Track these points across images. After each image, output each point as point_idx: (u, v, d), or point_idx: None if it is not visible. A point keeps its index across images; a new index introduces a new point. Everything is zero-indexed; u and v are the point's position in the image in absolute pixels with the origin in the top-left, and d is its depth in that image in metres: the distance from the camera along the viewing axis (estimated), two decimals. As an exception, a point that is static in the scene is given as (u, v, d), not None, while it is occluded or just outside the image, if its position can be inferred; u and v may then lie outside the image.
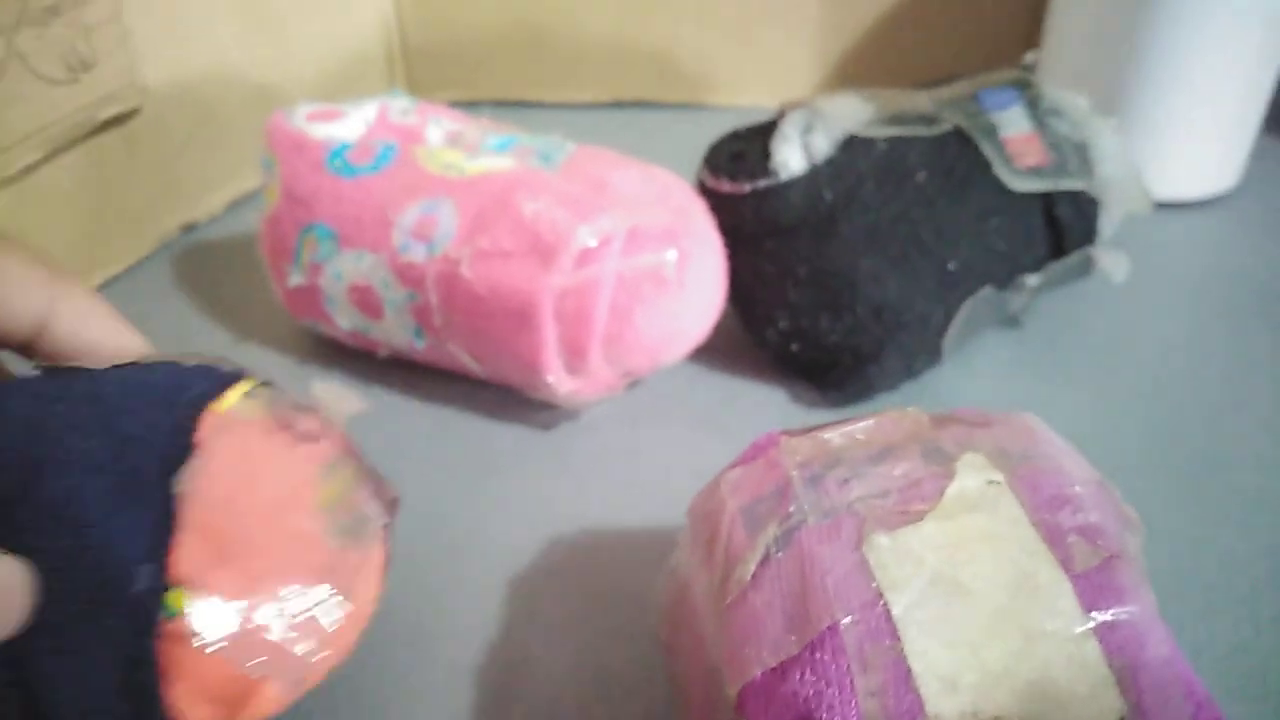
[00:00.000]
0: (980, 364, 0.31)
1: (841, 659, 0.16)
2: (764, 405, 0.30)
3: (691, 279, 0.28)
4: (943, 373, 0.31)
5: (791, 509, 0.17)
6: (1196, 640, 0.23)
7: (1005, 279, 0.30)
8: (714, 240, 0.29)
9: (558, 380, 0.28)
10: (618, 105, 0.47)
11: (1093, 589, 0.16)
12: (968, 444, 0.18)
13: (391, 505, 0.20)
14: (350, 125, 0.30)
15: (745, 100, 0.47)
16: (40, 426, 0.17)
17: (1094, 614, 0.16)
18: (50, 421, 0.17)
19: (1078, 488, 0.18)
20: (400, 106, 0.31)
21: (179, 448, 0.17)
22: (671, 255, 0.27)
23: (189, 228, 0.39)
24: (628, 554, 0.25)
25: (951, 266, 0.29)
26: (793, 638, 0.16)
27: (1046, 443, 0.19)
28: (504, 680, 0.22)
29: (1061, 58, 0.40)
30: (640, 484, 0.27)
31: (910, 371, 0.30)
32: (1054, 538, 0.17)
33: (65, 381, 0.18)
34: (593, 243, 0.26)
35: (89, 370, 0.19)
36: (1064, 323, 0.33)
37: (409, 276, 0.28)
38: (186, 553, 0.17)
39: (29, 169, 0.32)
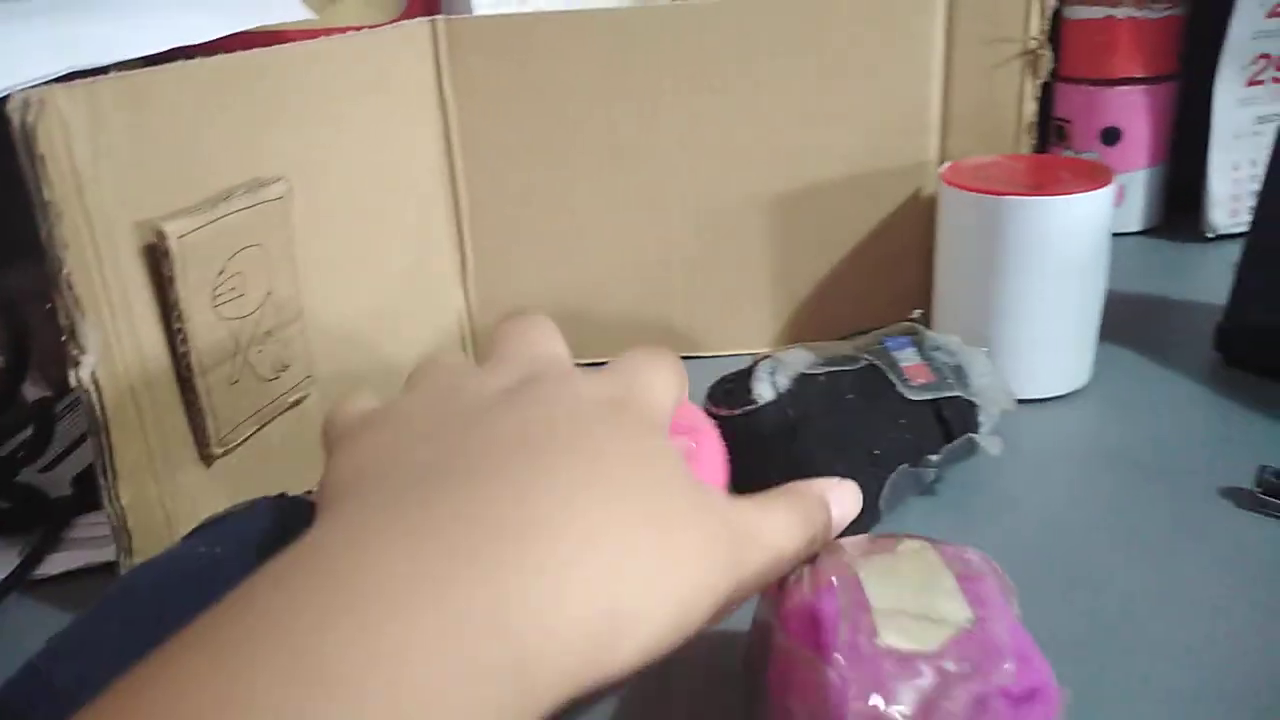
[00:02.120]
0: (906, 523, 0.45)
1: (831, 591, 0.29)
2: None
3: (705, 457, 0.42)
4: (880, 529, 0.45)
5: (815, 560, 0.31)
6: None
7: (914, 459, 0.45)
8: (718, 439, 0.43)
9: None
10: (633, 361, 0.64)
11: (964, 579, 0.29)
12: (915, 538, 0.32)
13: None
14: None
15: (724, 351, 0.63)
16: None
17: (963, 585, 0.29)
18: None
19: (969, 554, 0.31)
20: None
21: None
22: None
23: (336, 474, 0.54)
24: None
25: (876, 452, 0.43)
26: (810, 592, 0.29)
27: (967, 551, 0.32)
28: None
29: (946, 309, 0.56)
30: None
31: (857, 528, 0.44)
32: (949, 563, 0.30)
33: None
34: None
35: None
36: (967, 491, 0.47)
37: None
38: None
39: (247, 439, 0.47)
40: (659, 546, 0.24)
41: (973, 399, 0.46)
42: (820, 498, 0.32)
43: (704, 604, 0.25)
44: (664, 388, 0.30)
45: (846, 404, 0.44)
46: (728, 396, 0.45)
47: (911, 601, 0.28)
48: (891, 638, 0.27)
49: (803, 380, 0.44)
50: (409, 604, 0.19)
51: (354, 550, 0.20)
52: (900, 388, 0.45)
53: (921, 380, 0.45)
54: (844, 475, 0.43)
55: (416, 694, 0.18)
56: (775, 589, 0.32)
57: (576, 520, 0.22)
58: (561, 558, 0.22)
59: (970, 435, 0.46)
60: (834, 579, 0.29)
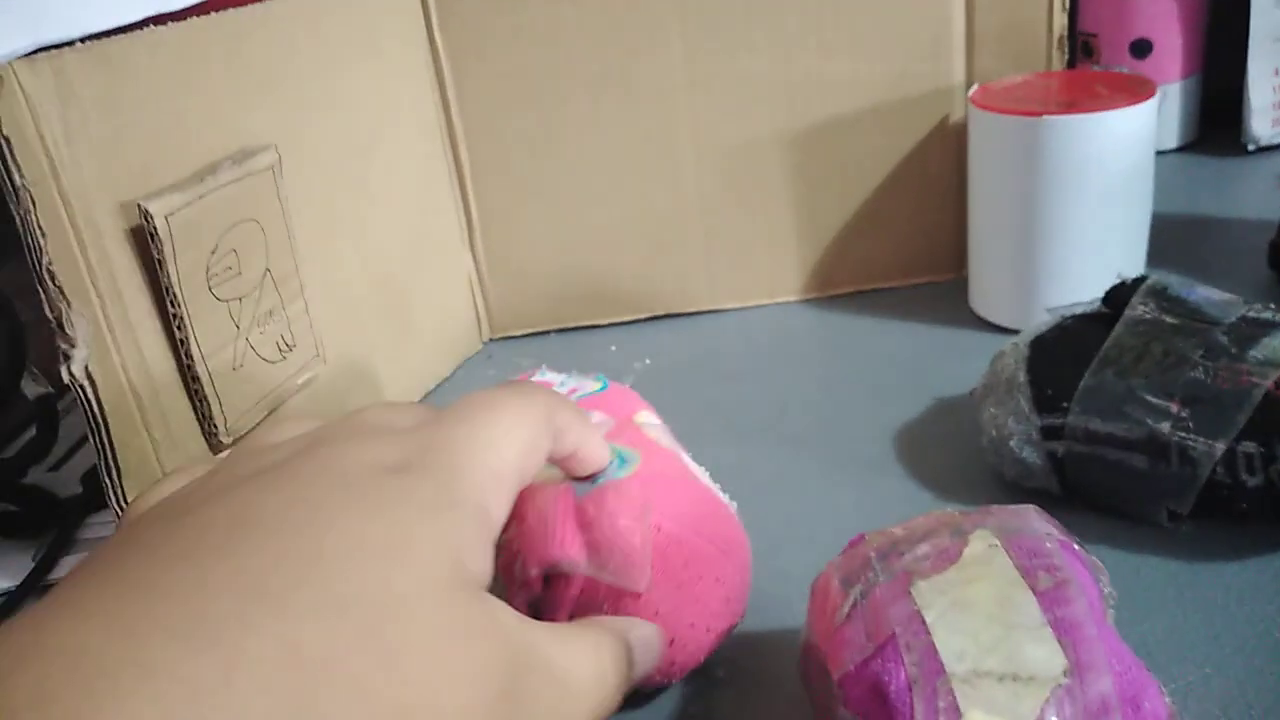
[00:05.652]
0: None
1: (895, 649, 0.25)
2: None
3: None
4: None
5: (869, 575, 0.27)
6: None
7: None
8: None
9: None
10: (651, 319, 0.61)
11: (1048, 600, 0.25)
12: (980, 525, 0.28)
13: None
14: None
15: (747, 303, 0.60)
16: None
17: (1047, 613, 0.25)
18: None
19: (1047, 544, 0.27)
20: (568, 383, 0.37)
21: None
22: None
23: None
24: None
25: None
26: (870, 644, 0.26)
27: (1037, 522, 0.28)
28: None
29: (982, 242, 0.53)
30: None
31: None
32: (1028, 574, 0.26)
33: None
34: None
35: None
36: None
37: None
38: None
39: (257, 425, 0.44)
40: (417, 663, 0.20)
41: None
42: (627, 642, 0.28)
43: None
44: (483, 445, 0.25)
45: None
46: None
47: (992, 653, 0.24)
48: (977, 714, 0.23)
49: None
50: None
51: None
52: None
53: None
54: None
55: None
56: (819, 612, 0.28)
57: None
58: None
59: None
60: (896, 629, 0.25)
